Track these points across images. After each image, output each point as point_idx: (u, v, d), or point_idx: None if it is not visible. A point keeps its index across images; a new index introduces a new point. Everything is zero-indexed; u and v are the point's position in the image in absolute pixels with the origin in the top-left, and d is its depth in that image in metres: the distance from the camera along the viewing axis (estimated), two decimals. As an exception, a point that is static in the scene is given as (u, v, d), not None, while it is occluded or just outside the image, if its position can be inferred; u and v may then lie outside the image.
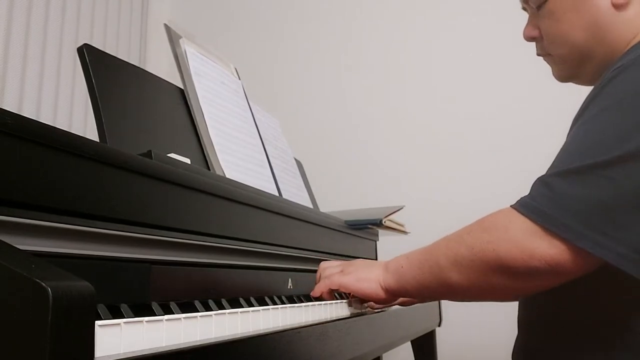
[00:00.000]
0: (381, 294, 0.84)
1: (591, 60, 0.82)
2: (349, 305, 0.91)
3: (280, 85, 2.26)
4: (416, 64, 2.11)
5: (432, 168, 2.03)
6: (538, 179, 0.70)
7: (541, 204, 0.66)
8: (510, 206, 0.71)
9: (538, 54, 0.90)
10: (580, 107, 0.76)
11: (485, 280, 0.71)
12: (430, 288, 0.78)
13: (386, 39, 2.17)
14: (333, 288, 0.88)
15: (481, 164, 1.96)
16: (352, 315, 0.87)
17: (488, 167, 1.94)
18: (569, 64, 0.85)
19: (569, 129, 0.78)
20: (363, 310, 0.93)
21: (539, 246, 0.65)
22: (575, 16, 0.81)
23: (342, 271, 0.88)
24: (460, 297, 0.79)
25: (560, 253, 0.65)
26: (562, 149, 0.73)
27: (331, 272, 0.90)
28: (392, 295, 0.84)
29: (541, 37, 0.87)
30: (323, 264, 0.94)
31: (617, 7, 0.78)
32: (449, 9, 2.09)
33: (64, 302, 0.34)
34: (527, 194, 0.70)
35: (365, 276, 0.85)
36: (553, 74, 0.90)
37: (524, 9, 0.91)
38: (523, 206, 0.68)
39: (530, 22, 0.89)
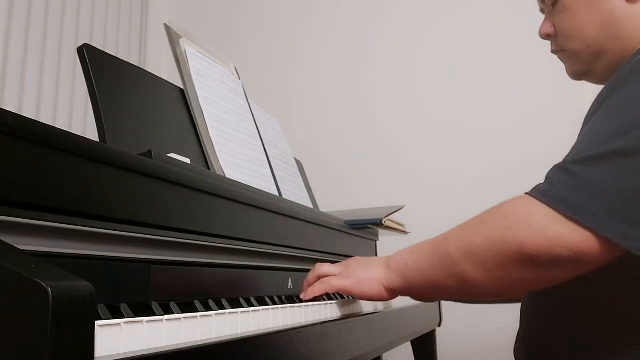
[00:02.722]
0: (385, 295, 0.79)
1: (604, 56, 0.83)
2: (349, 305, 0.91)
3: (280, 85, 2.26)
4: (417, 64, 2.11)
5: (432, 168, 2.03)
6: (556, 166, 0.68)
7: (564, 192, 0.64)
8: (526, 194, 0.68)
9: (552, 51, 0.91)
10: (592, 106, 0.75)
11: (503, 271, 0.67)
12: (442, 285, 0.73)
13: (385, 38, 2.17)
14: (331, 292, 0.83)
15: (482, 164, 1.96)
16: (352, 315, 0.87)
17: (489, 167, 1.94)
18: (582, 60, 0.85)
19: (580, 128, 0.78)
20: (363, 311, 0.93)
21: (564, 234, 0.63)
22: (589, 10, 0.82)
23: (340, 274, 0.82)
24: (475, 294, 0.74)
25: (585, 241, 0.63)
26: (581, 137, 0.70)
27: (328, 271, 0.84)
28: (397, 295, 0.80)
29: (556, 34, 0.88)
30: (319, 266, 0.87)
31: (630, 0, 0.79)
32: (449, 9, 2.09)
33: (64, 302, 0.34)
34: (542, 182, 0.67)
35: (366, 277, 0.79)
36: (567, 71, 0.90)
37: (542, 10, 0.92)
38: (544, 195, 0.66)
39: (547, 20, 0.90)
